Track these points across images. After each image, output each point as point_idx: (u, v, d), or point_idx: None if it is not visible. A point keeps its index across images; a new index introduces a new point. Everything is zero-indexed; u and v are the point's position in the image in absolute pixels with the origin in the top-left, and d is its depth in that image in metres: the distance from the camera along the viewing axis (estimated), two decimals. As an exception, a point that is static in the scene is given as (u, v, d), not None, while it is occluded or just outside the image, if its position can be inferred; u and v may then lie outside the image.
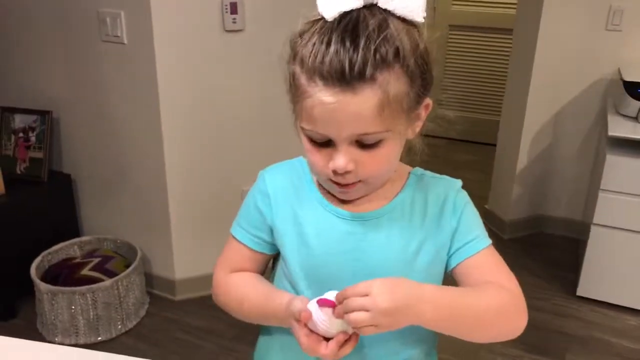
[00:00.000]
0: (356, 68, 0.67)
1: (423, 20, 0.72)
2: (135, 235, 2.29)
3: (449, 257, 0.83)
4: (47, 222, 2.28)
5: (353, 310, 0.68)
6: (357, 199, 0.83)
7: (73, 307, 1.99)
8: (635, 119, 2.24)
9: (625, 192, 2.17)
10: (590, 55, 2.59)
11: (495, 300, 0.77)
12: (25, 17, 2.21)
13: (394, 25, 0.70)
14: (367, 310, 0.67)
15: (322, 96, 0.70)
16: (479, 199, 3.06)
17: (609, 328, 2.22)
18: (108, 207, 2.36)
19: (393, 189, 0.85)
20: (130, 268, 2.12)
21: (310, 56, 0.70)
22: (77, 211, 2.41)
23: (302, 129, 0.75)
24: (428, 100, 0.78)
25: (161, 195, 2.18)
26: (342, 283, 0.74)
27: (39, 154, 2.26)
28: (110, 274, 2.09)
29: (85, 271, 2.09)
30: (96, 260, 2.15)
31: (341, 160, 0.72)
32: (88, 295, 1.99)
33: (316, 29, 0.72)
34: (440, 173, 0.89)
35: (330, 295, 0.72)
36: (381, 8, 0.70)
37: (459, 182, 0.87)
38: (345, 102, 0.69)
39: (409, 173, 0.88)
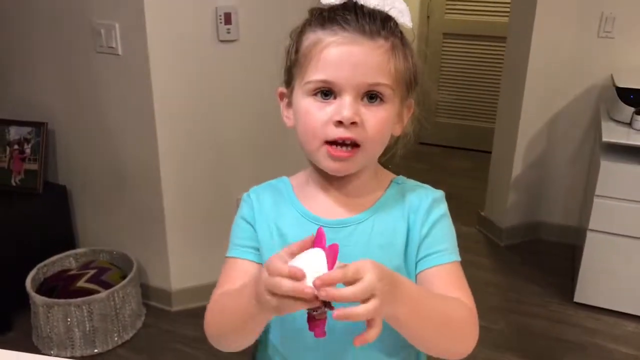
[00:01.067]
0: (373, 26, 0.74)
1: (411, 27, 0.79)
2: (131, 246, 2.29)
3: (415, 264, 0.83)
4: (43, 234, 2.28)
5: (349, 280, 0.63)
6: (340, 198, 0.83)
7: (69, 320, 1.98)
8: (628, 124, 2.25)
9: (620, 198, 2.17)
10: (582, 62, 2.61)
11: (458, 312, 0.76)
12: (20, 29, 2.22)
13: (394, 18, 0.78)
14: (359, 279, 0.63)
15: (341, 39, 0.73)
16: (475, 206, 3.07)
17: (607, 334, 2.22)
18: (104, 219, 2.35)
19: (374, 196, 0.85)
20: (126, 279, 2.11)
21: (328, 12, 0.76)
22: (72, 223, 2.40)
23: (308, 83, 0.75)
24: (412, 101, 0.83)
25: (157, 206, 2.17)
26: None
27: (34, 166, 2.26)
28: (106, 286, 2.08)
29: (81, 283, 2.08)
30: (92, 272, 2.14)
31: (349, 109, 0.73)
32: (84, 307, 1.98)
33: (327, 5, 0.78)
34: (436, 180, 0.90)
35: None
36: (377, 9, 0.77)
37: (439, 193, 0.86)
38: (363, 47, 0.73)
39: (391, 181, 0.88)
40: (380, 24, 0.75)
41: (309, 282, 0.62)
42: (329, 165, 0.79)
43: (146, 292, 2.31)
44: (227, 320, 0.79)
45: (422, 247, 0.82)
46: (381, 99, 0.76)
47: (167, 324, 2.25)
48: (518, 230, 2.88)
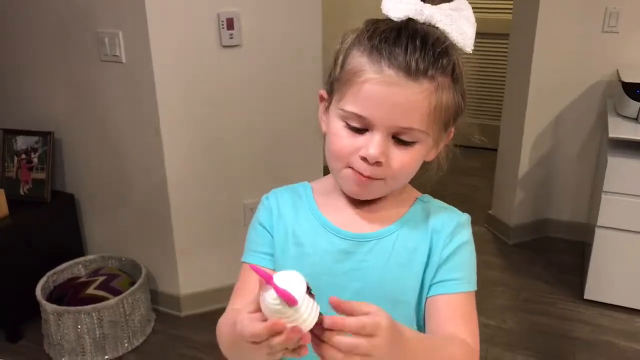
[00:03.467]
0: (422, 64, 0.71)
1: (471, 51, 0.75)
2: (140, 252, 2.30)
3: (429, 287, 0.80)
4: (52, 243, 2.29)
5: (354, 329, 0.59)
6: (365, 207, 0.81)
7: (79, 327, 2.00)
8: (635, 119, 2.24)
9: (628, 194, 2.16)
10: (588, 57, 2.59)
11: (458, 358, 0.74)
12: (25, 39, 2.23)
13: (451, 44, 0.73)
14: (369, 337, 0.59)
15: (384, 77, 0.71)
16: (482, 204, 3.06)
17: (618, 331, 2.21)
18: (112, 226, 2.37)
19: (397, 212, 0.83)
20: (135, 285, 2.12)
21: (379, 40, 0.72)
22: (81, 230, 2.41)
23: (342, 110, 0.74)
24: (452, 129, 0.80)
25: (164, 212, 2.18)
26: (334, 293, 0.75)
27: (41, 175, 2.28)
28: (116, 292, 2.09)
29: (91, 290, 2.09)
30: (101, 278, 2.15)
31: (377, 148, 0.72)
32: (94, 314, 2.00)
33: (382, 26, 0.74)
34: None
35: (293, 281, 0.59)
36: (440, 29, 0.73)
37: (464, 216, 0.84)
38: (403, 89, 0.70)
39: (416, 199, 0.86)
40: (432, 60, 0.71)
41: (302, 306, 0.57)
42: (350, 189, 0.79)
43: (155, 297, 2.32)
44: (230, 345, 0.76)
45: (440, 272, 0.79)
46: (412, 141, 0.74)
47: (177, 329, 2.26)
48: (526, 228, 2.86)
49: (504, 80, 2.97)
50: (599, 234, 2.26)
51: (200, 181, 2.20)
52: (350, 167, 0.76)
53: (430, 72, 0.71)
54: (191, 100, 2.09)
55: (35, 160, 2.28)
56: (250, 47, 2.09)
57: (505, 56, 3.05)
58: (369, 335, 0.58)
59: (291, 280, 0.58)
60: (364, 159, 0.73)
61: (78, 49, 2.12)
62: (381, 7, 0.74)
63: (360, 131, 0.73)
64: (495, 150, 3.00)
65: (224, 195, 2.24)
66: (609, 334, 2.19)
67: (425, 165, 0.82)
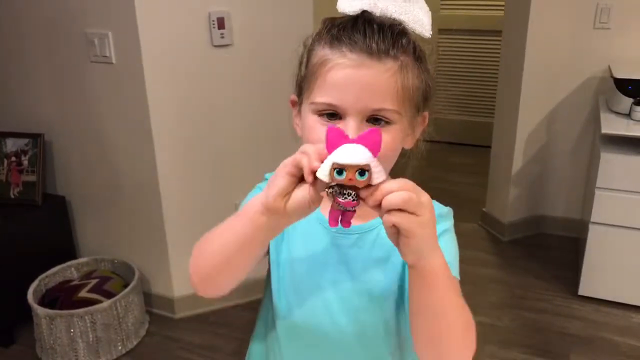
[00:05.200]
0: (382, 44, 0.72)
1: (430, 37, 0.76)
2: (133, 254, 2.28)
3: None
4: (43, 246, 2.27)
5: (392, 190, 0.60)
6: None
7: (72, 330, 1.98)
8: (627, 115, 2.24)
9: (621, 190, 2.16)
10: (580, 54, 2.59)
11: (468, 309, 0.73)
12: (13, 41, 2.21)
13: (409, 29, 0.75)
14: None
15: (348, 61, 0.71)
16: (476, 202, 3.06)
17: (613, 327, 2.21)
18: (104, 228, 2.35)
19: None
20: (129, 288, 2.11)
21: (337, 29, 0.74)
22: (73, 233, 2.39)
23: (313, 104, 0.74)
24: (426, 113, 0.81)
25: (156, 213, 2.17)
26: (324, 295, 0.79)
27: (32, 178, 2.25)
28: (109, 295, 2.07)
29: (83, 293, 2.07)
30: (94, 281, 2.13)
31: (352, 133, 0.71)
32: (86, 317, 1.98)
33: (338, 20, 0.76)
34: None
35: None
36: (396, 19, 0.75)
37: (445, 209, 0.84)
38: (369, 70, 0.71)
39: None
40: (391, 41, 0.72)
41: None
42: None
43: (149, 299, 2.30)
44: (219, 248, 0.74)
45: None
46: (387, 122, 0.74)
47: (171, 331, 2.24)
48: (520, 225, 2.87)
49: (497, 77, 2.97)
50: (592, 230, 2.26)
51: (193, 182, 2.18)
52: None
53: (392, 52, 0.72)
54: (182, 101, 2.07)
55: (26, 162, 2.26)
56: (241, 46, 2.08)
57: (497, 53, 3.05)
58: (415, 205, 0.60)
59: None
60: None
61: (67, 50, 2.10)
62: (337, 7, 0.76)
63: (334, 119, 0.74)
64: (489, 147, 3.00)
65: (217, 195, 2.23)
66: (604, 330, 2.19)
67: (406, 154, 0.83)
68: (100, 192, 2.29)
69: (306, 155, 0.61)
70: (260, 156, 2.25)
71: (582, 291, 2.37)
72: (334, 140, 0.60)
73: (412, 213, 0.59)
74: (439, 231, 0.78)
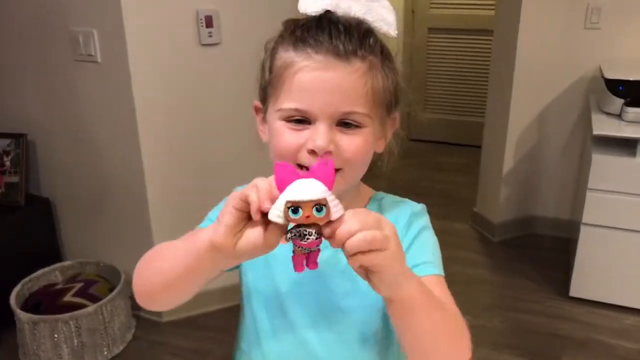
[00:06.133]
0: (349, 45, 0.69)
1: (396, 36, 0.73)
2: (119, 257, 2.23)
3: None
4: (27, 248, 2.22)
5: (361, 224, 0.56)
6: None
7: (56, 336, 1.93)
8: (618, 116, 2.23)
9: (612, 191, 2.15)
10: (570, 54, 2.58)
11: (455, 312, 0.71)
12: (-5, 38, 2.16)
13: (375, 28, 0.72)
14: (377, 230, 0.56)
15: (314, 63, 0.69)
16: (467, 202, 3.04)
17: (606, 329, 2.20)
18: (89, 230, 2.30)
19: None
20: (115, 292, 2.06)
21: (301, 31, 0.71)
22: (57, 235, 2.35)
23: (280, 110, 0.71)
24: (397, 114, 0.78)
25: (143, 214, 2.12)
26: (302, 307, 0.76)
27: (14, 179, 2.20)
28: (94, 299, 2.03)
29: (68, 297, 2.03)
30: (79, 285, 2.09)
31: (323, 137, 0.68)
32: (71, 322, 1.93)
33: (301, 21, 0.73)
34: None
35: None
36: (360, 18, 0.72)
37: (418, 206, 0.82)
38: (337, 72, 0.68)
39: (370, 197, 0.84)
40: (357, 42, 0.70)
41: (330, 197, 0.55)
42: None
43: (135, 303, 2.24)
44: (162, 269, 0.70)
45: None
46: (357, 125, 0.71)
47: (158, 336, 2.20)
48: (511, 225, 2.86)
49: (487, 77, 2.95)
50: (584, 231, 2.25)
51: (180, 183, 2.14)
52: (299, 167, 0.72)
53: (359, 53, 0.70)
54: (169, 101, 2.03)
55: (8, 163, 2.20)
56: (230, 45, 2.04)
57: (487, 52, 3.04)
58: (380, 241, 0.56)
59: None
60: (312, 152, 0.69)
61: (51, 48, 2.05)
62: (298, 7, 0.73)
63: (302, 124, 0.70)
64: (479, 147, 2.99)
65: (205, 198, 2.16)
66: (596, 332, 2.18)
67: (378, 157, 0.80)
68: (86, 193, 2.24)
69: (255, 191, 0.56)
70: (251, 159, 2.19)
71: (573, 292, 2.36)
72: (284, 177, 0.56)
73: (378, 250, 0.55)
74: (415, 229, 0.78)
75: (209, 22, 1.98)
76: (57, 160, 2.25)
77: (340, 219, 0.55)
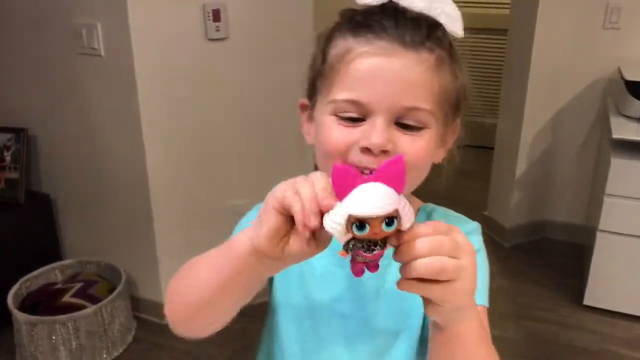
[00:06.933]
0: (417, 36, 0.61)
1: (462, 35, 0.65)
2: (120, 256, 2.17)
3: None
4: (26, 246, 2.16)
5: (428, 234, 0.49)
6: None
7: (54, 337, 1.87)
8: (639, 120, 2.15)
9: (631, 197, 2.08)
10: (588, 54, 2.51)
11: (495, 355, 0.63)
12: (-3, 30, 2.10)
13: (443, 26, 0.64)
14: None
15: (375, 49, 0.60)
16: (478, 205, 2.97)
17: (620, 339, 2.13)
18: (90, 228, 2.24)
19: None
20: (115, 292, 2.00)
21: (362, 16, 0.62)
22: (57, 233, 2.29)
23: (332, 102, 0.62)
24: (458, 123, 0.70)
25: (145, 214, 2.06)
26: (336, 326, 0.68)
27: (14, 175, 2.15)
28: (94, 300, 1.97)
29: (67, 298, 1.97)
30: (78, 285, 2.03)
31: (380, 134, 0.59)
32: (69, 324, 1.87)
33: (361, 10, 0.64)
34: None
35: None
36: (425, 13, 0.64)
37: (473, 224, 0.74)
38: (402, 60, 0.60)
39: (419, 208, 0.75)
40: (426, 32, 0.61)
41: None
42: None
43: (136, 304, 2.20)
44: (199, 286, 0.61)
45: None
46: (419, 127, 0.62)
47: (159, 338, 2.14)
48: (523, 229, 2.78)
49: (501, 77, 2.88)
50: (600, 238, 2.17)
51: (185, 181, 2.08)
52: None
53: (427, 44, 0.61)
54: (175, 97, 1.96)
55: (8, 158, 2.15)
56: (237, 40, 1.97)
57: (501, 52, 2.96)
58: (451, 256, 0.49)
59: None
60: (366, 149, 0.60)
61: (53, 41, 1.99)
62: None
63: (356, 122, 0.62)
64: (492, 148, 2.91)
65: (210, 196, 2.13)
66: (611, 343, 2.11)
67: (434, 170, 0.70)
68: (87, 190, 2.18)
69: (299, 201, 0.49)
70: (257, 155, 2.15)
71: (587, 301, 2.28)
72: (344, 182, 0.47)
73: (444, 281, 0.48)
74: None
75: (216, 16, 1.91)
76: (58, 156, 2.19)
77: (411, 230, 0.48)
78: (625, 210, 2.10)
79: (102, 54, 1.91)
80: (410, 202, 0.71)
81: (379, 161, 0.59)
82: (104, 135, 2.05)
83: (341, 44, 0.63)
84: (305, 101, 0.71)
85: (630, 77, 2.21)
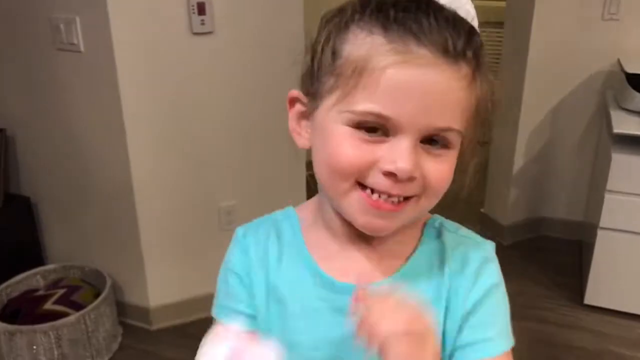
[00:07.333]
0: (459, 41, 0.52)
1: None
2: (104, 261, 2.09)
3: (454, 349, 0.61)
4: (5, 251, 2.06)
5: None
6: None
7: (34, 347, 1.79)
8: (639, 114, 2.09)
9: (633, 193, 2.02)
10: (587, 47, 2.44)
11: None
12: (-28, 25, 2.01)
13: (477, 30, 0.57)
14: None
15: (414, 59, 0.51)
16: (474, 203, 2.90)
17: (622, 339, 2.07)
18: (73, 232, 2.16)
19: (405, 247, 0.63)
20: (99, 299, 1.92)
21: (393, 10, 0.52)
22: (39, 237, 2.20)
23: (351, 113, 0.53)
24: (476, 141, 0.61)
25: (130, 216, 1.98)
26: None
27: (-7, 177, 2.06)
28: (77, 307, 1.89)
29: (49, 305, 1.89)
30: (61, 291, 1.95)
31: (408, 159, 0.52)
32: (51, 333, 1.79)
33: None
34: None
35: None
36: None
37: (489, 246, 0.66)
38: (442, 74, 0.51)
39: (425, 223, 0.66)
40: (465, 38, 0.52)
41: None
42: (365, 222, 0.57)
43: (122, 310, 2.12)
44: None
45: (465, 330, 0.60)
46: (445, 145, 0.55)
47: (147, 344, 2.06)
48: (520, 227, 2.72)
49: (497, 71, 2.80)
50: (601, 235, 2.11)
51: (170, 182, 2.00)
52: (360, 187, 0.55)
53: (468, 53, 0.53)
54: (158, 94, 1.88)
55: (-15, 160, 2.06)
56: (224, 34, 1.89)
57: (498, 45, 2.89)
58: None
59: None
60: (389, 174, 0.53)
61: (31, 36, 1.91)
62: None
63: (376, 137, 0.53)
64: (488, 144, 2.84)
65: (197, 197, 2.05)
66: (611, 343, 2.05)
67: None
68: (69, 192, 2.10)
69: None
70: (246, 154, 2.07)
71: (587, 300, 2.22)
72: None
73: None
74: (485, 285, 0.61)
75: (201, 9, 1.83)
76: (38, 156, 2.11)
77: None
78: (627, 207, 2.04)
79: (82, 49, 1.82)
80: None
81: (402, 187, 0.54)
82: (85, 135, 1.97)
83: (367, 42, 0.53)
84: (299, 94, 0.61)
85: (630, 69, 2.14)
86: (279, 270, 0.64)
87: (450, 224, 0.68)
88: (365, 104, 0.52)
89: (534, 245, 2.71)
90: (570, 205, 2.69)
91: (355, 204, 0.56)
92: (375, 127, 0.53)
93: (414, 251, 0.64)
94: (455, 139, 0.55)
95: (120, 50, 1.77)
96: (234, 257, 0.67)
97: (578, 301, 2.25)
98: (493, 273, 0.63)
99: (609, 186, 2.04)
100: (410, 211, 0.57)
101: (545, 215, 2.74)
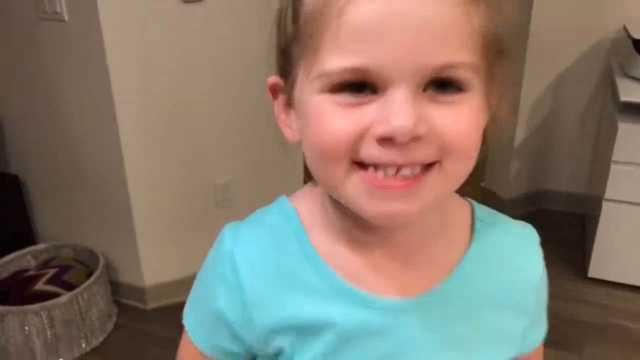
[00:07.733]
0: None
1: None
2: (97, 239, 2.04)
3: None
4: (-5, 231, 2.02)
5: None
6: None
7: (26, 328, 1.74)
8: (647, 81, 2.02)
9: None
10: (591, 12, 2.36)
11: None
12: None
13: None
14: None
15: None
16: (474, 177, 2.84)
17: (627, 312, 2.03)
18: (64, 210, 2.10)
19: (453, 246, 0.53)
20: (92, 278, 1.87)
21: None
22: (29, 216, 2.14)
23: (322, 76, 0.42)
24: (501, 74, 0.49)
25: (122, 194, 1.92)
26: None
27: (-22, 154, 1.99)
28: (69, 287, 1.84)
29: (40, 285, 1.84)
30: (52, 271, 1.89)
31: (404, 113, 0.40)
32: (42, 313, 1.74)
33: None
34: None
35: None
36: None
37: (540, 253, 0.60)
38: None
39: (471, 217, 0.57)
40: None
41: None
42: (376, 210, 0.44)
43: (116, 289, 2.07)
44: None
45: (527, 333, 0.60)
46: (459, 88, 0.42)
47: (142, 324, 2.02)
48: (522, 200, 2.67)
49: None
50: (606, 207, 2.06)
51: (163, 159, 1.93)
52: (358, 167, 0.43)
53: None
54: (148, 66, 1.80)
55: (-30, 137, 1.99)
56: (216, 2, 1.81)
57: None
58: None
59: None
60: (385, 140, 0.41)
61: (12, 5, 1.82)
62: None
63: (362, 99, 0.42)
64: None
65: (191, 174, 1.99)
66: (618, 316, 2.02)
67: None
68: (59, 169, 2.03)
69: None
70: (241, 129, 2.00)
71: (592, 273, 2.18)
72: None
73: None
74: (542, 299, 0.60)
75: (191, -25, 1.75)
76: (26, 134, 2.03)
77: None
78: (633, 178, 1.98)
79: (66, 18, 1.73)
80: (454, 207, 0.55)
81: (410, 154, 0.41)
82: (73, 110, 1.89)
83: None
84: (277, 80, 0.50)
85: (637, 35, 2.07)
86: (288, 290, 0.51)
87: (496, 214, 0.61)
88: (335, 59, 0.41)
89: (535, 218, 2.61)
90: (573, 178, 2.64)
91: (358, 190, 0.44)
92: (359, 86, 0.41)
93: (464, 255, 0.54)
94: (469, 76, 0.42)
95: (107, 19, 1.69)
96: (216, 281, 0.54)
97: (582, 275, 2.21)
98: (542, 266, 0.60)
99: (614, 157, 1.98)
100: (434, 184, 0.44)
101: (548, 187, 2.69)
